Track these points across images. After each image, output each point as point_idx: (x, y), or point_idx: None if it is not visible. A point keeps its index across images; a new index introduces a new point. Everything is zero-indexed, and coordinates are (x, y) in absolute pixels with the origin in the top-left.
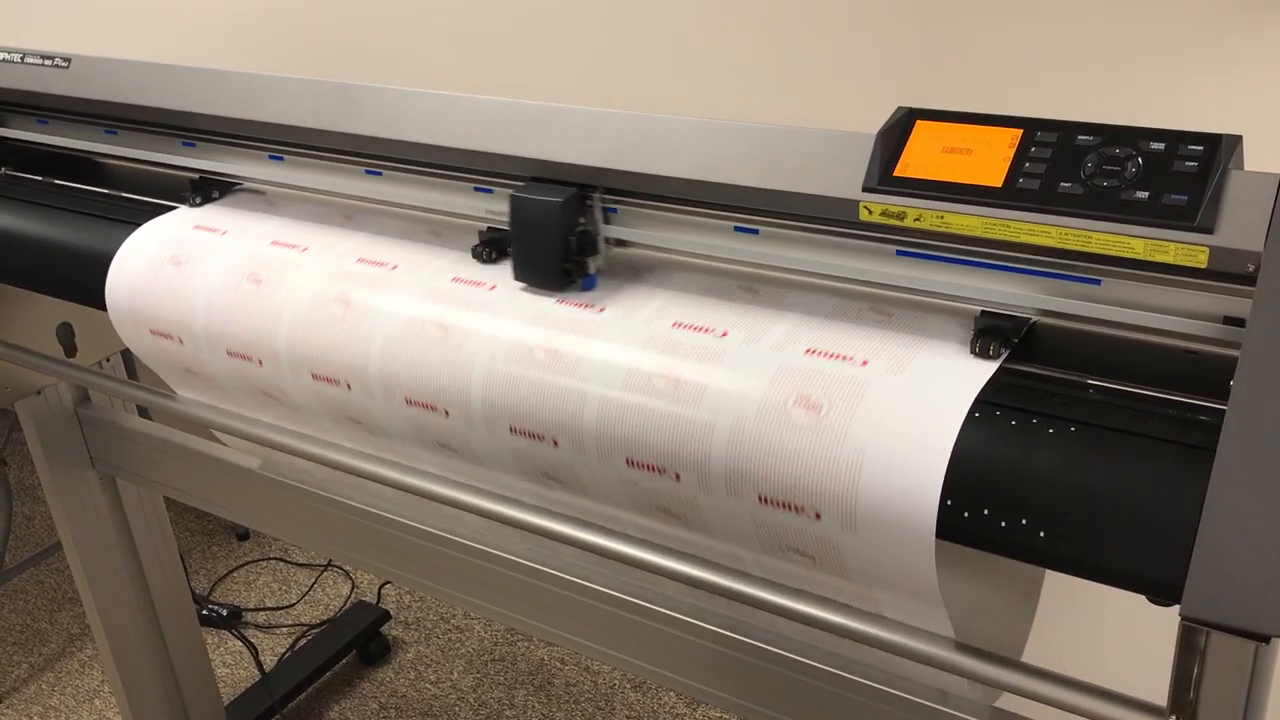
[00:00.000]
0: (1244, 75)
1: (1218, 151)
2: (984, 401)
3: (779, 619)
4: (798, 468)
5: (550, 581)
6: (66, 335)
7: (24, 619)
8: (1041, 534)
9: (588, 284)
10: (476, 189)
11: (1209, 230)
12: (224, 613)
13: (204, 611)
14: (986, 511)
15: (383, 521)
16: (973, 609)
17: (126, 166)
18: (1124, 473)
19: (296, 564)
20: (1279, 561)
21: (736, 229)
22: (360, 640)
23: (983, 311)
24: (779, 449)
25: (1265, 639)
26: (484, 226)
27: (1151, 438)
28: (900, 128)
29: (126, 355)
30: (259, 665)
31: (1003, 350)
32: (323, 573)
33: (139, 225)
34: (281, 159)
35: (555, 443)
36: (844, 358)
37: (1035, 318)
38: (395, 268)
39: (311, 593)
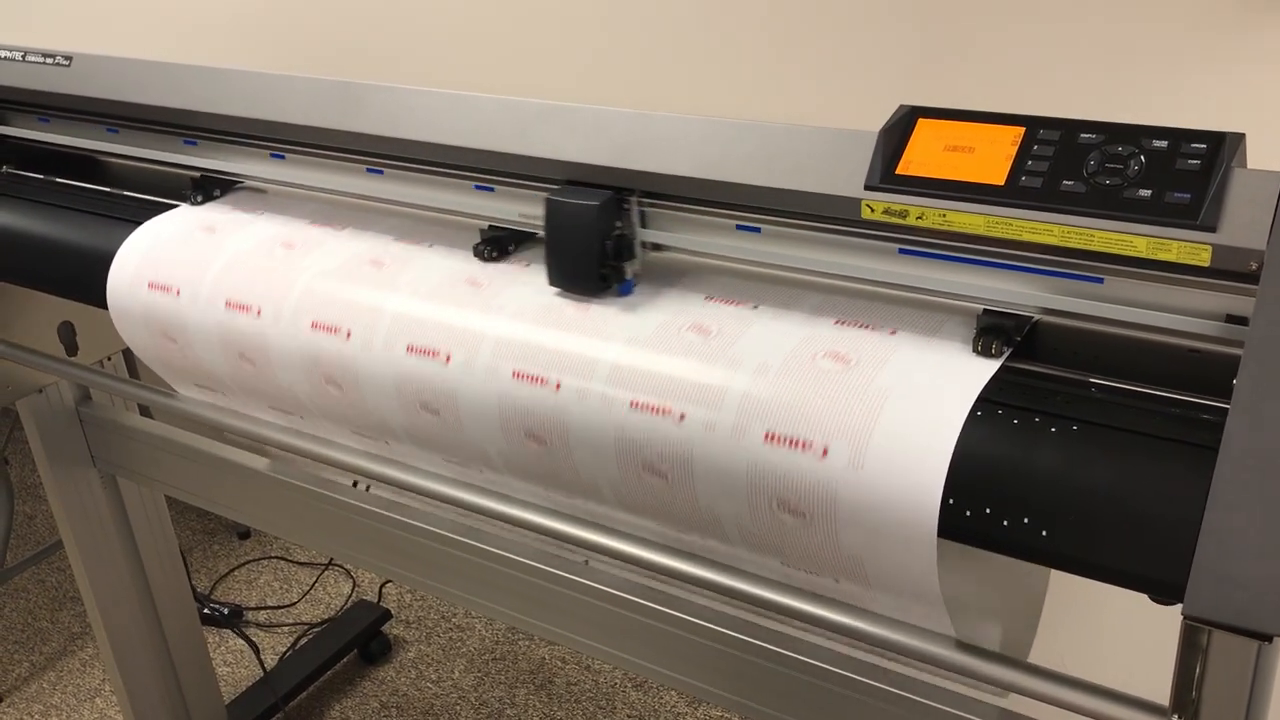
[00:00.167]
0: (1244, 75)
1: (1220, 150)
2: (986, 400)
3: (778, 619)
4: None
5: (551, 580)
6: (68, 334)
7: (25, 618)
8: (1044, 533)
9: (624, 289)
10: (477, 187)
11: (1212, 228)
12: (225, 611)
13: (205, 610)
14: (989, 510)
15: (384, 520)
16: (975, 614)
17: (128, 165)
18: (1126, 471)
19: (298, 563)
20: None
21: (739, 227)
22: (361, 639)
23: (985, 310)
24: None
25: (1268, 638)
26: (485, 225)
27: (1154, 436)
28: (902, 126)
29: (127, 354)
30: (260, 664)
31: (1005, 349)
32: (324, 572)
33: (140, 224)
34: (283, 157)
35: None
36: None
37: (1038, 316)
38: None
39: (313, 591)
